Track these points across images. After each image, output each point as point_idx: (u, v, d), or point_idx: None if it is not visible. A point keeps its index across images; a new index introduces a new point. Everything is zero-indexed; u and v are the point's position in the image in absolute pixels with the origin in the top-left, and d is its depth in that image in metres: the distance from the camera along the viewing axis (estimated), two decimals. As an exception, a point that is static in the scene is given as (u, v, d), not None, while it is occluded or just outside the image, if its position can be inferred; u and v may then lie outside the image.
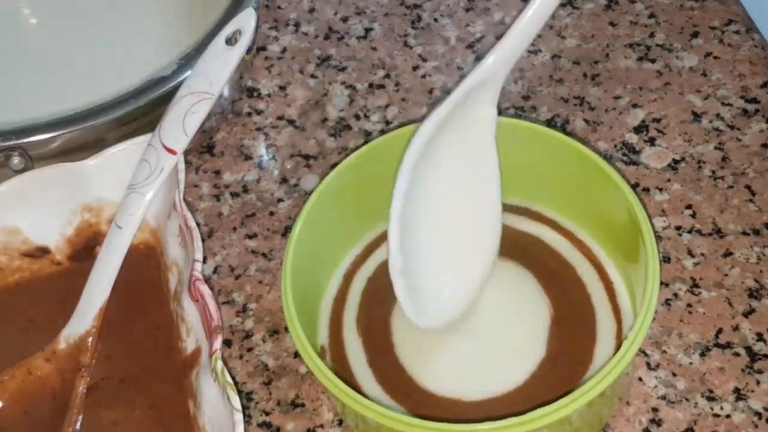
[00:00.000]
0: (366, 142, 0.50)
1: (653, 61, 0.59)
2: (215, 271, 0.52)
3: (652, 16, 0.62)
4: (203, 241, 0.45)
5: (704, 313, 0.48)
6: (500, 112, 0.57)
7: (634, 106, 0.57)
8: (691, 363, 0.46)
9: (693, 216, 0.52)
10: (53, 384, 0.45)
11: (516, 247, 0.48)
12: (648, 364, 0.46)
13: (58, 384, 0.45)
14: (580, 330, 0.45)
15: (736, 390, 0.45)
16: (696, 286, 0.49)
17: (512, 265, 0.48)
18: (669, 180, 0.53)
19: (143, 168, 0.46)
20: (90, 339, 0.46)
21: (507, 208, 0.50)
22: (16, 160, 0.49)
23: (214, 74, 0.46)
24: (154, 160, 0.46)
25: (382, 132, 0.57)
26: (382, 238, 0.50)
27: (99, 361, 0.46)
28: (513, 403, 0.43)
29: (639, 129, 0.56)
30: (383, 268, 0.48)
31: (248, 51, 0.57)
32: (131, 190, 0.46)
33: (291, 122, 0.59)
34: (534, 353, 0.44)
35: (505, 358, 0.45)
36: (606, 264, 0.47)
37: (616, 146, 0.55)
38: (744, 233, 0.50)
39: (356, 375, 0.45)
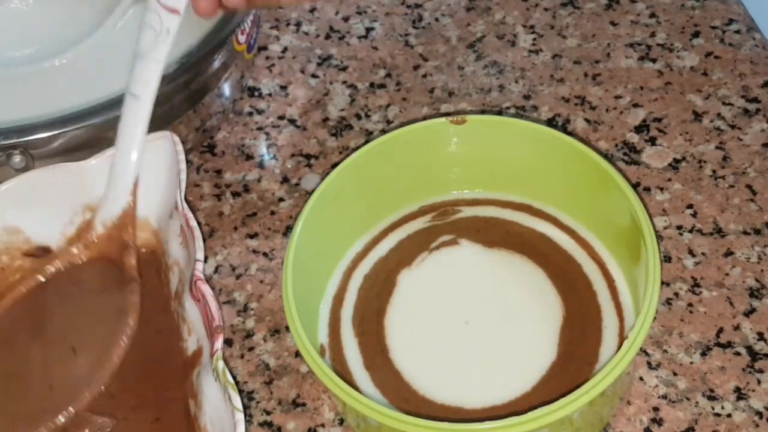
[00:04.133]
0: (367, 142, 0.50)
1: (654, 60, 0.59)
2: (216, 270, 0.52)
3: (652, 15, 0.62)
4: (204, 240, 0.45)
5: (705, 313, 0.48)
6: (501, 112, 0.58)
7: (635, 105, 0.57)
8: (691, 362, 0.46)
9: (694, 215, 0.52)
10: (89, 267, 0.46)
11: (524, 243, 0.48)
12: (649, 363, 0.46)
13: (92, 266, 0.46)
14: (588, 330, 0.45)
15: (737, 389, 0.45)
16: (697, 285, 0.49)
17: (521, 260, 0.48)
18: (670, 179, 0.53)
19: (147, 33, 0.44)
20: (129, 215, 0.46)
21: (509, 204, 0.50)
22: (17, 159, 0.49)
23: None
24: (158, 23, 0.44)
25: (383, 131, 0.57)
26: (382, 235, 0.50)
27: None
28: (520, 409, 0.42)
29: (640, 128, 0.56)
30: (380, 265, 0.49)
31: (249, 50, 0.57)
32: (140, 57, 0.44)
33: (292, 122, 0.59)
34: (546, 356, 0.44)
35: (514, 362, 0.45)
36: (608, 262, 0.47)
37: (617, 146, 0.55)
38: (745, 233, 0.50)
39: (354, 375, 0.45)
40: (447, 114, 0.57)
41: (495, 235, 0.49)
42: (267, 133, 0.58)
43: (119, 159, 0.45)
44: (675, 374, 0.46)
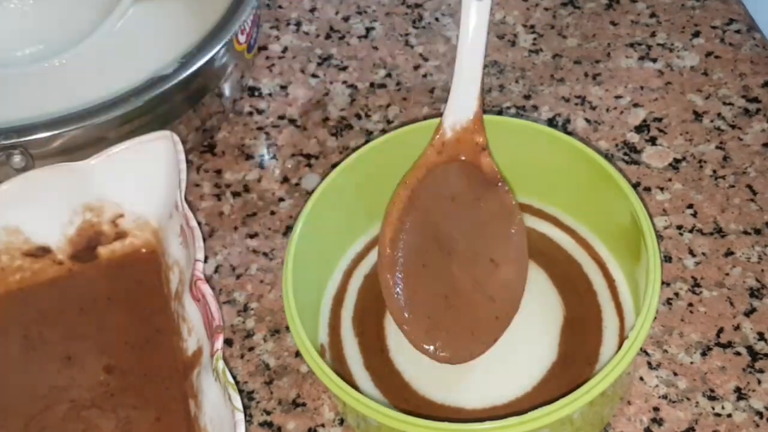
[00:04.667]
0: (367, 142, 0.50)
1: (654, 60, 0.59)
2: (216, 270, 0.52)
3: (653, 15, 0.62)
4: (204, 240, 0.45)
5: (705, 313, 0.48)
6: (501, 112, 0.58)
7: (635, 105, 0.57)
8: (692, 362, 0.46)
9: (694, 215, 0.52)
10: (450, 174, 0.46)
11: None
12: (649, 363, 0.46)
13: (452, 172, 0.46)
14: (588, 330, 0.45)
15: (737, 389, 0.45)
16: (697, 285, 0.49)
17: None
18: (670, 179, 0.53)
19: None
20: (478, 120, 0.45)
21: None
22: (17, 159, 0.49)
23: None
24: None
25: (384, 131, 0.57)
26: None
27: (100, 365, 0.46)
28: (520, 409, 0.42)
29: (640, 128, 0.56)
30: None
31: (249, 50, 0.57)
32: None
33: (292, 121, 0.59)
34: (546, 356, 0.44)
35: (515, 363, 0.45)
36: (608, 262, 0.47)
37: (617, 145, 0.55)
38: (745, 233, 0.50)
39: (354, 375, 0.45)
40: (447, 114, 0.57)
41: None
42: (267, 133, 0.58)
43: (465, 65, 0.45)
44: (675, 374, 0.46)
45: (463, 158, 0.45)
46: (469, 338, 0.44)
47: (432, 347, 0.44)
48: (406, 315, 0.44)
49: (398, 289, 0.44)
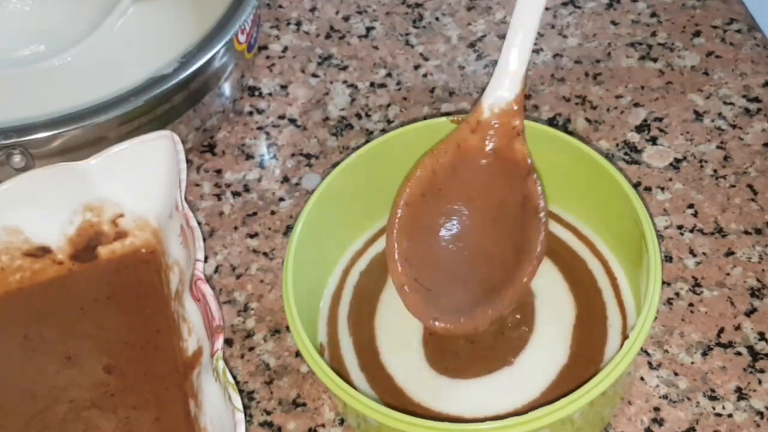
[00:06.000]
0: (367, 141, 0.50)
1: (655, 60, 0.59)
2: (216, 270, 0.52)
3: (653, 15, 0.62)
4: (204, 240, 0.45)
5: (706, 313, 0.48)
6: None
7: (636, 105, 0.57)
8: (692, 362, 0.46)
9: (695, 215, 0.51)
10: (480, 153, 0.45)
11: None
12: (650, 363, 0.46)
13: (483, 152, 0.45)
14: (596, 328, 0.45)
15: (738, 389, 0.45)
16: (698, 285, 0.49)
17: None
18: (671, 179, 0.53)
19: None
20: (519, 102, 0.45)
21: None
22: (17, 159, 0.49)
23: None
24: None
25: (384, 131, 0.57)
26: (381, 232, 0.50)
27: (100, 365, 0.46)
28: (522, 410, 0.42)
29: (641, 128, 0.56)
30: (375, 261, 0.48)
31: (249, 50, 0.57)
32: None
33: (292, 121, 0.59)
34: (557, 359, 0.44)
35: (522, 368, 0.44)
36: (610, 260, 0.47)
37: (617, 145, 0.55)
38: (746, 232, 0.50)
39: (352, 376, 0.45)
40: (448, 113, 0.57)
41: None
42: (267, 133, 0.58)
43: (514, 44, 0.44)
44: (676, 374, 0.46)
45: (494, 143, 0.45)
46: (469, 311, 0.43)
47: (431, 318, 0.43)
48: (406, 279, 0.43)
49: (403, 253, 0.44)
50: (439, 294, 0.44)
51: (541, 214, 0.44)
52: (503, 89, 0.45)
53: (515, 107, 0.44)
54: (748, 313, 0.47)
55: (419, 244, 0.44)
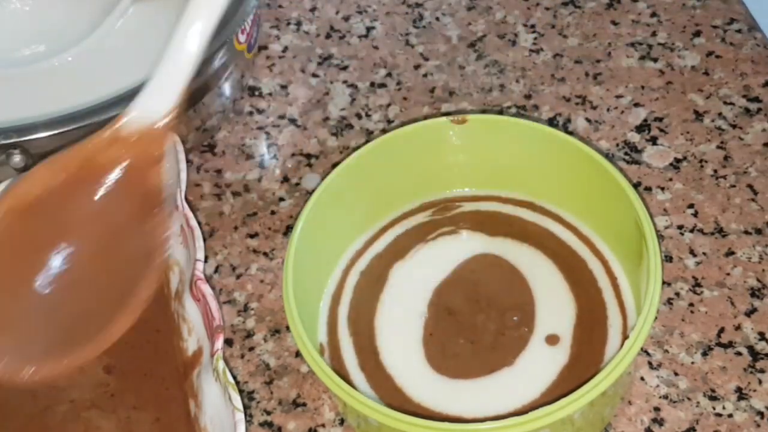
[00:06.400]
0: (367, 141, 0.50)
1: (655, 60, 0.59)
2: (216, 270, 0.52)
3: (654, 15, 0.62)
4: (204, 240, 0.45)
5: (706, 313, 0.48)
6: (502, 111, 0.58)
7: (636, 105, 0.57)
8: (693, 362, 0.46)
9: (695, 215, 0.51)
10: (105, 178, 0.37)
11: (528, 235, 0.48)
12: (650, 363, 0.46)
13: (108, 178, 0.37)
14: (596, 328, 0.45)
15: (738, 389, 0.45)
16: (698, 285, 0.49)
17: (529, 249, 0.47)
18: (671, 179, 0.53)
19: None
20: (167, 125, 0.35)
21: (511, 201, 0.50)
22: (17, 159, 0.49)
23: None
24: None
25: (384, 131, 0.57)
26: (381, 232, 0.50)
27: (100, 366, 0.46)
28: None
29: (641, 128, 0.56)
30: (375, 260, 0.48)
31: (250, 50, 0.57)
32: None
33: (292, 121, 0.59)
34: (557, 359, 0.44)
35: (523, 368, 0.44)
36: (610, 260, 0.47)
37: (618, 145, 0.55)
38: (746, 232, 0.50)
39: (351, 376, 0.45)
40: (448, 113, 0.57)
41: (498, 226, 0.49)
42: (267, 133, 0.58)
43: (176, 45, 0.36)
44: (676, 374, 0.46)
45: (126, 168, 0.36)
46: (41, 359, 0.37)
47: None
48: None
49: None
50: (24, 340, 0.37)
51: (159, 259, 0.36)
52: (154, 101, 0.36)
53: (161, 127, 0.35)
54: (749, 313, 0.47)
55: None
